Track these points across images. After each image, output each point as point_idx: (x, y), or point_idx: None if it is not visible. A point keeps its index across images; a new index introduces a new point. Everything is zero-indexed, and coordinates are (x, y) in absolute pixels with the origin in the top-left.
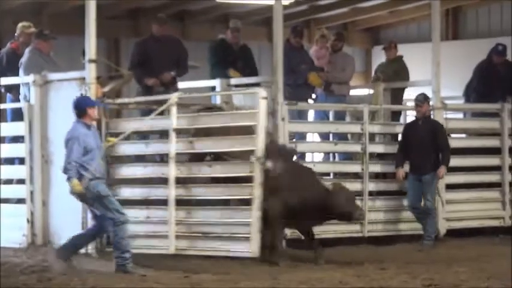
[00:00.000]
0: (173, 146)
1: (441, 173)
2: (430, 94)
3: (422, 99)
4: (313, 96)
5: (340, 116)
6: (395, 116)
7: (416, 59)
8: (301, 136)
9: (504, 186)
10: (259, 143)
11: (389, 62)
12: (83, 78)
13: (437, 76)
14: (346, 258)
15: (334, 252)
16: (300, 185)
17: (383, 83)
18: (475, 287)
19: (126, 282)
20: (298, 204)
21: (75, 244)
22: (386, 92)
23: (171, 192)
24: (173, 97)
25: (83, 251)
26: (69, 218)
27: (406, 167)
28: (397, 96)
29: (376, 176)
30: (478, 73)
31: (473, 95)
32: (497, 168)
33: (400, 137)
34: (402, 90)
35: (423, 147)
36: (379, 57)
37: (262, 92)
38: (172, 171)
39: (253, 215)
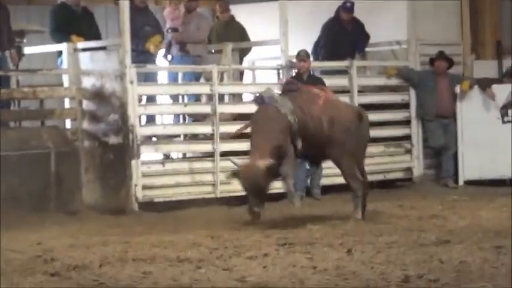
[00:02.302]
0: None
1: None
2: (278, 53)
3: (305, 55)
4: (169, 57)
5: (196, 77)
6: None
7: (264, 18)
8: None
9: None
10: None
11: (224, 24)
12: None
13: (285, 35)
14: (199, 219)
15: (187, 214)
16: None
17: (230, 43)
18: (329, 244)
19: None
20: None
21: None
22: (234, 52)
23: None
24: None
25: None
26: None
27: None
28: (241, 56)
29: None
30: (326, 31)
31: (322, 52)
32: None
33: None
34: (247, 50)
35: None
36: None
37: None
38: None
39: None
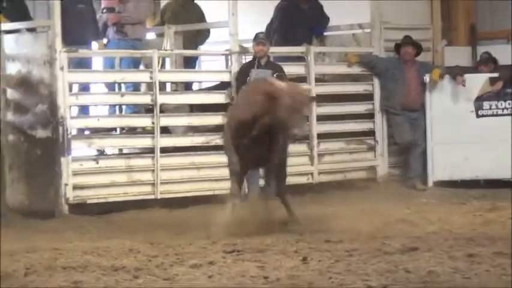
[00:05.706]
0: None
1: None
2: (227, 37)
3: (264, 38)
4: (105, 40)
5: (134, 64)
6: (190, 62)
7: None
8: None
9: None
10: None
11: (182, 4)
12: None
13: (235, 16)
14: (136, 223)
15: (123, 217)
16: None
17: (173, 26)
18: (282, 252)
19: None
20: None
21: None
22: (178, 36)
23: None
24: None
25: None
26: None
27: None
28: (192, 40)
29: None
30: (280, 12)
31: (275, 37)
32: None
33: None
34: (201, 33)
35: None
36: None
37: None
38: None
39: None
